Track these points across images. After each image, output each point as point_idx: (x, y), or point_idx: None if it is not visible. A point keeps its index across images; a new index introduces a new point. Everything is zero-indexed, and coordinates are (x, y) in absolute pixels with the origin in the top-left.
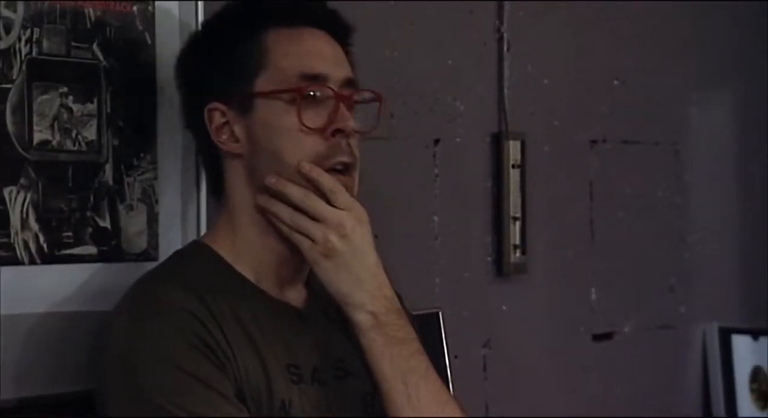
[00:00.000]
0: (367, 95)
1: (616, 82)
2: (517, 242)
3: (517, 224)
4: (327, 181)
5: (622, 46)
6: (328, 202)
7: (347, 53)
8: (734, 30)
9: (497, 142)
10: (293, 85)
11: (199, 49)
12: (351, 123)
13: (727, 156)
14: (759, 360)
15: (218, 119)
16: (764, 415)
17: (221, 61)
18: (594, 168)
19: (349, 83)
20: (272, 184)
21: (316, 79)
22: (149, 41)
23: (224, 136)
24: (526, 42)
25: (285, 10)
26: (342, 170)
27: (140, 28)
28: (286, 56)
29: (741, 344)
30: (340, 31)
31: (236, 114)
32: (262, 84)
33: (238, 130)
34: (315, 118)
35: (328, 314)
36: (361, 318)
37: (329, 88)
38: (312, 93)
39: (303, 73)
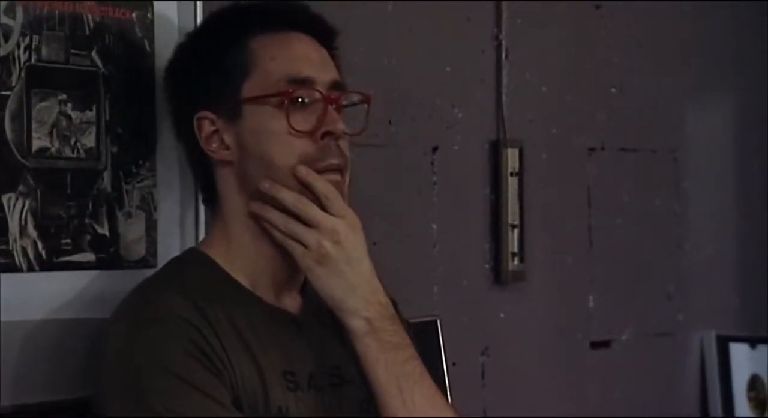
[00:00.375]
0: (355, 97)
1: (613, 89)
2: (515, 249)
3: (515, 231)
4: (322, 186)
5: (619, 53)
6: (322, 207)
7: (333, 57)
8: (732, 35)
9: (495, 150)
10: (281, 89)
11: (186, 58)
12: (340, 125)
13: (725, 163)
14: (757, 368)
15: (207, 128)
16: None
17: (208, 69)
18: (592, 175)
19: (337, 86)
20: (266, 189)
21: (304, 82)
22: (148, 48)
23: (214, 145)
24: (524, 49)
25: (270, 16)
26: (333, 171)
27: (139, 34)
28: (273, 61)
29: (739, 351)
30: (325, 35)
31: (225, 122)
32: (249, 89)
33: (228, 137)
34: (304, 121)
35: (323, 320)
36: (356, 324)
37: (317, 90)
38: (300, 98)
39: (290, 77)
